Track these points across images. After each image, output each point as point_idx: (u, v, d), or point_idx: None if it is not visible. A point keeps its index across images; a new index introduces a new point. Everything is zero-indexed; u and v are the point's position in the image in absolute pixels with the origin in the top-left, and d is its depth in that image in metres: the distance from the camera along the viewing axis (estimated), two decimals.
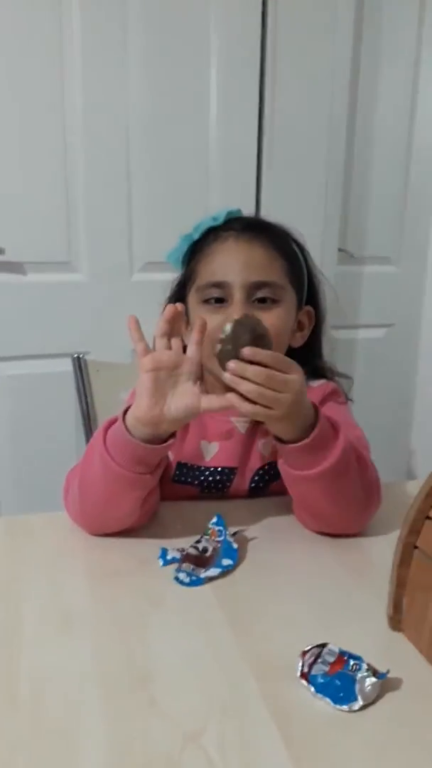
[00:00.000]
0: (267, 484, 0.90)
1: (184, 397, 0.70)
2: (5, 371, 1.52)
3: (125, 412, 0.72)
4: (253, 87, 1.55)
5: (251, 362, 0.66)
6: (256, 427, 0.89)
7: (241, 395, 0.66)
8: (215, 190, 1.58)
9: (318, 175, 1.66)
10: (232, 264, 0.82)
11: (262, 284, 0.82)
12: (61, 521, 0.78)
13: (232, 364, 0.66)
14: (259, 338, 0.69)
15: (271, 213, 1.59)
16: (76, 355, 1.30)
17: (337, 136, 1.67)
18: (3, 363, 1.52)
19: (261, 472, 0.89)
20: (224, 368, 0.67)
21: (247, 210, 1.56)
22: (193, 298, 0.86)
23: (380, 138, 1.79)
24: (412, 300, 1.93)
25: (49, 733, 0.47)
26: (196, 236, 0.87)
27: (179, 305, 0.73)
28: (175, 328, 0.73)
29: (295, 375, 0.68)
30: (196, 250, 0.88)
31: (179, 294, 0.92)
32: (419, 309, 1.93)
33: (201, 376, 0.75)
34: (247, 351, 0.66)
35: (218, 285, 0.82)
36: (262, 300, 0.82)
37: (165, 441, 0.71)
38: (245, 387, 0.66)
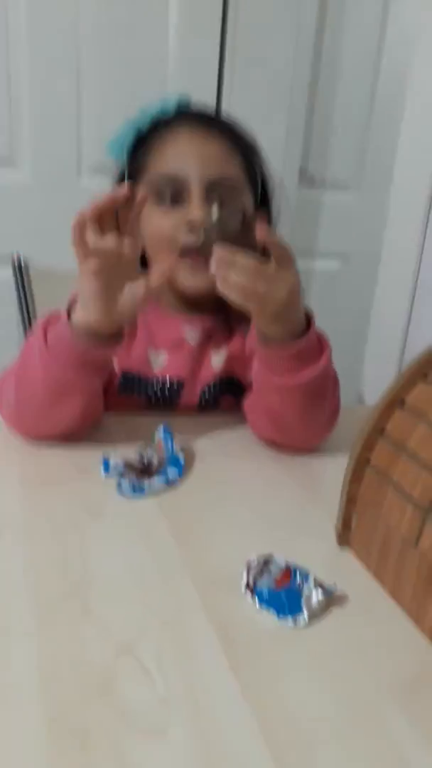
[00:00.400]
0: (217, 400, 0.86)
1: (132, 288, 0.64)
2: None
3: (68, 312, 0.66)
4: None
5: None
6: (208, 338, 0.84)
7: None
8: (173, 93, 1.46)
9: (282, 89, 1.56)
10: (188, 157, 0.74)
11: (219, 181, 0.75)
12: None
13: (219, 251, 0.60)
14: (248, 230, 0.62)
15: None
16: (16, 256, 1.20)
17: (303, 50, 1.56)
18: None
19: (212, 386, 0.85)
20: (206, 256, 0.61)
21: None
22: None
23: (348, 58, 1.69)
24: (371, 229, 1.88)
25: None
26: (143, 126, 0.79)
27: (135, 192, 0.62)
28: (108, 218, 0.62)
29: (292, 271, 0.63)
30: (143, 142, 0.79)
31: None
32: (379, 238, 1.89)
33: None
34: (219, 252, 0.59)
35: (173, 179, 0.74)
36: (221, 199, 0.75)
37: (111, 340, 0.66)
38: (234, 279, 0.60)
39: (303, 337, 0.66)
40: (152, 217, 0.76)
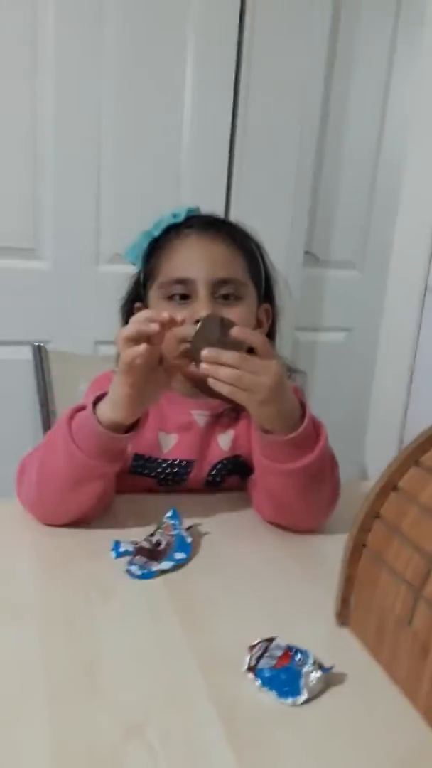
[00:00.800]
0: (223, 479, 0.90)
1: (156, 384, 0.71)
2: None
3: (95, 403, 0.72)
4: (227, 88, 1.55)
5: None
6: (216, 420, 0.89)
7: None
8: (186, 187, 1.58)
9: (288, 178, 1.68)
10: (196, 260, 0.82)
11: (225, 281, 0.82)
12: (12, 509, 0.77)
13: (206, 351, 0.67)
14: (228, 332, 0.69)
15: (240, 213, 1.62)
16: (36, 344, 1.28)
17: (308, 141, 1.68)
18: None
19: (219, 466, 0.89)
20: (197, 362, 0.68)
21: (217, 209, 1.59)
22: (155, 294, 0.86)
23: (350, 145, 1.81)
24: (373, 305, 1.96)
25: None
26: (156, 233, 0.87)
27: (171, 316, 0.69)
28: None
29: (274, 360, 0.69)
30: (156, 247, 0.87)
31: (137, 292, 0.91)
32: (379, 314, 1.96)
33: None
34: (206, 353, 0.66)
35: (182, 281, 0.82)
36: (226, 297, 0.82)
37: (129, 428, 0.72)
38: (223, 372, 0.66)
39: (299, 426, 0.71)
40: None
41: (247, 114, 1.59)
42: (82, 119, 1.45)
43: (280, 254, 1.71)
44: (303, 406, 0.74)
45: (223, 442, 0.90)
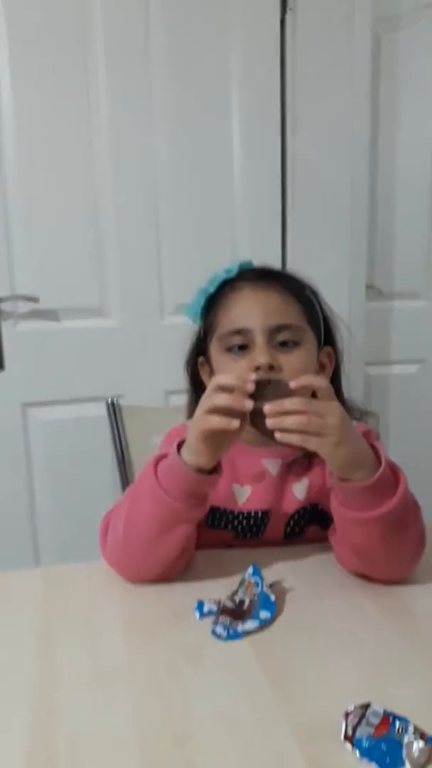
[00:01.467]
0: (303, 529, 0.88)
1: (231, 435, 0.73)
2: (41, 416, 1.55)
3: (179, 447, 0.74)
4: (275, 130, 1.58)
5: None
6: (288, 469, 0.88)
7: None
8: (241, 233, 1.61)
9: (343, 213, 1.68)
10: (251, 310, 0.83)
11: (281, 327, 0.83)
12: (97, 570, 0.78)
13: (267, 406, 0.67)
14: (280, 387, 0.70)
15: (297, 254, 1.63)
16: (110, 400, 1.31)
17: (359, 173, 1.68)
18: (39, 408, 1.55)
19: (296, 516, 0.88)
20: (258, 427, 0.70)
21: (273, 251, 1.60)
22: (215, 348, 0.87)
23: (403, 173, 1.81)
24: None
25: None
26: (212, 289, 0.89)
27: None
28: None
29: (334, 401, 0.69)
30: (213, 303, 0.89)
31: (199, 347, 0.93)
32: None
33: None
34: (268, 408, 0.68)
35: (239, 332, 0.83)
36: (284, 343, 0.83)
37: (212, 473, 0.74)
38: (290, 420, 0.67)
39: (376, 471, 0.69)
40: (225, 367, 0.85)
41: (295, 154, 1.61)
42: (137, 184, 1.52)
43: (342, 290, 1.71)
44: (376, 450, 0.72)
45: (298, 491, 0.88)
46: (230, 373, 0.75)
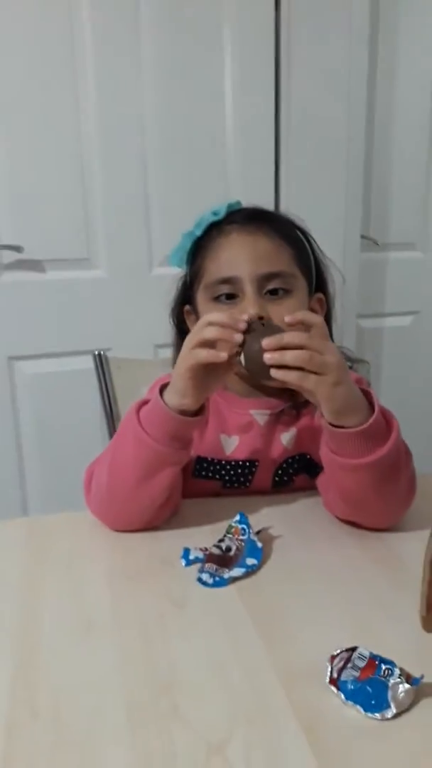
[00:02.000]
0: (291, 478, 0.87)
1: (216, 374, 0.72)
2: (28, 370, 1.52)
3: (161, 391, 0.72)
4: (269, 73, 1.52)
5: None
6: (276, 419, 0.86)
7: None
8: (234, 181, 1.56)
9: (338, 162, 1.62)
10: (239, 257, 0.80)
11: (271, 275, 0.79)
12: (82, 520, 0.77)
13: (266, 340, 0.65)
14: (273, 329, 0.68)
15: (291, 203, 1.58)
16: (97, 352, 1.28)
17: (356, 122, 1.63)
18: (25, 362, 1.52)
19: (284, 465, 0.87)
20: (253, 372, 0.68)
21: (267, 200, 1.55)
22: (201, 296, 0.84)
23: (401, 123, 1.74)
24: None
25: (70, 744, 0.45)
26: (198, 233, 0.85)
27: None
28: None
29: (330, 340, 0.68)
30: (199, 247, 0.85)
31: (185, 294, 0.90)
32: None
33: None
34: (266, 342, 0.66)
35: (227, 281, 0.80)
36: (274, 291, 0.80)
37: (196, 415, 0.72)
38: (290, 355, 0.65)
39: (369, 417, 0.68)
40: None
41: (290, 99, 1.55)
42: (125, 129, 1.46)
43: (337, 240, 1.66)
44: (369, 396, 0.70)
45: (286, 440, 0.87)
46: (221, 312, 0.72)
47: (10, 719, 0.48)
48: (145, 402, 0.74)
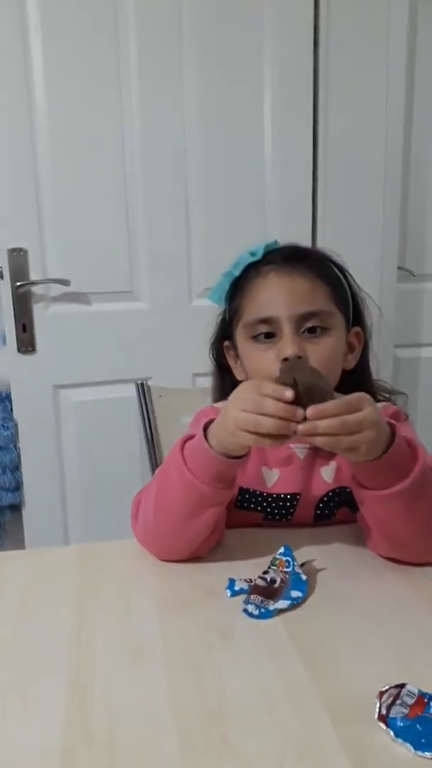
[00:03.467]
0: (332, 512, 0.88)
1: None
2: (72, 398, 1.56)
3: (205, 429, 0.73)
4: (307, 107, 1.55)
5: None
6: (315, 453, 0.88)
7: None
8: (272, 214, 1.59)
9: (375, 194, 1.65)
10: (277, 298, 0.81)
11: (309, 314, 0.81)
12: (129, 548, 0.79)
13: (301, 427, 0.64)
14: (313, 377, 0.67)
15: (328, 236, 1.61)
16: (139, 382, 1.32)
17: (393, 154, 1.65)
18: (70, 390, 1.56)
19: (326, 498, 0.88)
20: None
21: (304, 233, 1.58)
22: (241, 334, 0.86)
23: None
24: None
25: None
26: (237, 273, 0.87)
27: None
28: None
29: (368, 408, 0.66)
30: (238, 287, 0.87)
31: (224, 331, 0.93)
32: None
33: None
34: (310, 412, 0.64)
35: (265, 321, 0.82)
36: (312, 330, 0.81)
37: (240, 458, 0.73)
38: (321, 441, 0.65)
39: (390, 448, 0.68)
40: (252, 356, 0.84)
41: (327, 133, 1.58)
42: (166, 168, 1.51)
43: (374, 272, 1.68)
44: (392, 427, 0.70)
45: (326, 474, 0.88)
46: (269, 387, 0.68)
47: (65, 743, 0.49)
48: (190, 437, 0.76)
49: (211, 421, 0.74)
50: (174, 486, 0.74)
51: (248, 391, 0.68)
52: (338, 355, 0.85)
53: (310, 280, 0.83)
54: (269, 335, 0.82)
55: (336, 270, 0.89)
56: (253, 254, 0.86)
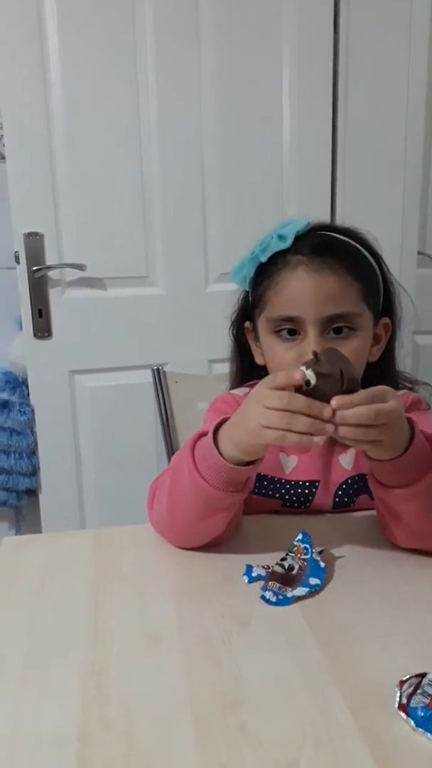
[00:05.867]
0: (351, 499, 0.87)
1: None
2: (88, 383, 1.56)
3: (215, 430, 0.70)
4: (327, 90, 1.53)
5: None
6: (334, 440, 0.86)
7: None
8: (289, 200, 1.57)
9: (395, 179, 1.62)
10: (304, 298, 0.78)
11: (336, 316, 0.78)
12: (146, 534, 0.79)
13: (330, 426, 0.62)
14: (344, 367, 0.65)
15: (347, 220, 1.57)
16: (155, 367, 1.32)
17: (414, 140, 1.61)
18: (85, 375, 1.56)
19: (344, 486, 0.86)
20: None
21: (323, 215, 1.55)
22: (263, 325, 0.84)
23: None
24: None
25: (141, 755, 0.46)
26: (263, 259, 0.82)
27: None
28: None
29: (393, 401, 0.64)
30: (264, 273, 0.83)
31: (246, 311, 0.91)
32: None
33: None
34: (336, 402, 0.61)
35: (290, 319, 0.79)
36: (338, 330, 0.79)
37: (253, 460, 0.70)
38: (346, 432, 0.62)
39: (410, 443, 0.66)
40: (274, 351, 0.82)
41: (347, 117, 1.55)
42: (183, 152, 1.50)
43: (393, 257, 1.65)
44: (411, 423, 0.68)
45: (345, 461, 0.87)
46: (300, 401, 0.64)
47: (82, 728, 0.49)
48: (202, 434, 0.72)
49: (223, 421, 0.70)
50: (185, 486, 0.72)
51: (272, 388, 0.64)
52: (364, 355, 0.82)
53: (340, 277, 0.79)
54: (292, 331, 0.80)
55: (371, 259, 0.85)
56: (282, 239, 0.81)
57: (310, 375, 0.63)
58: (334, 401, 0.61)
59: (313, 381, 0.63)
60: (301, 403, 0.62)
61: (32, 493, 1.63)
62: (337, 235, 0.85)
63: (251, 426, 0.64)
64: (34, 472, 1.59)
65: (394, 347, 0.91)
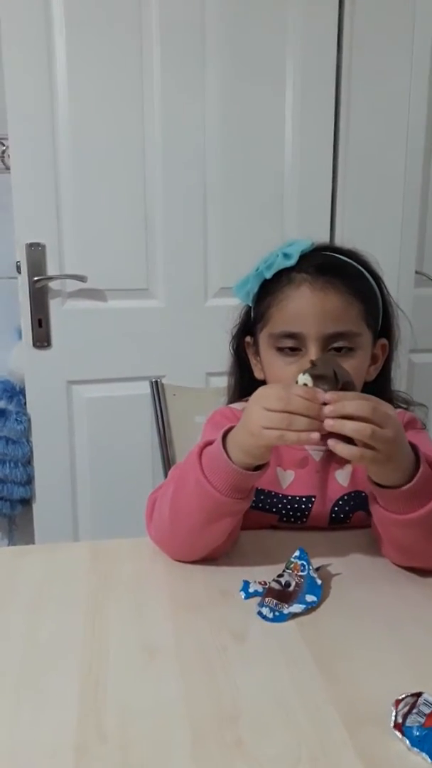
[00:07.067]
0: (348, 516, 0.87)
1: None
2: (85, 394, 1.57)
3: (223, 438, 0.71)
4: (329, 109, 1.55)
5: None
6: (331, 455, 0.87)
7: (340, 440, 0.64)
8: (290, 216, 1.59)
9: (394, 197, 1.64)
10: (307, 315, 0.80)
11: (337, 335, 0.80)
12: (143, 546, 0.79)
13: (328, 408, 0.63)
14: (338, 369, 0.68)
15: (346, 237, 1.60)
16: (153, 379, 1.32)
17: (414, 158, 1.63)
18: (83, 386, 1.56)
19: (341, 502, 0.87)
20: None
21: (322, 234, 1.57)
22: (265, 340, 0.85)
23: None
24: None
25: None
26: (268, 276, 0.84)
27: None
28: None
29: (390, 409, 0.66)
30: (267, 290, 0.85)
31: (247, 326, 0.92)
32: None
33: None
34: (329, 397, 0.64)
35: (292, 336, 0.81)
36: (338, 349, 0.80)
37: (259, 466, 0.71)
38: (351, 426, 0.63)
39: (416, 472, 0.67)
40: (274, 365, 0.84)
41: (348, 135, 1.57)
42: (185, 165, 1.50)
43: (391, 276, 1.65)
44: (415, 450, 0.69)
45: (341, 477, 0.87)
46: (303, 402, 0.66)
47: (79, 741, 0.49)
48: (209, 443, 0.73)
49: (230, 429, 0.72)
50: (190, 493, 0.73)
51: (274, 390, 0.68)
52: (361, 374, 0.84)
53: (342, 297, 0.80)
54: (294, 348, 0.81)
55: (372, 280, 0.87)
56: (287, 257, 0.83)
57: (306, 379, 0.67)
58: (329, 395, 0.64)
59: (309, 384, 0.66)
60: (299, 404, 0.64)
61: (26, 502, 1.63)
62: (341, 256, 0.87)
63: (252, 428, 0.67)
64: (29, 481, 1.59)
65: (390, 368, 0.93)
